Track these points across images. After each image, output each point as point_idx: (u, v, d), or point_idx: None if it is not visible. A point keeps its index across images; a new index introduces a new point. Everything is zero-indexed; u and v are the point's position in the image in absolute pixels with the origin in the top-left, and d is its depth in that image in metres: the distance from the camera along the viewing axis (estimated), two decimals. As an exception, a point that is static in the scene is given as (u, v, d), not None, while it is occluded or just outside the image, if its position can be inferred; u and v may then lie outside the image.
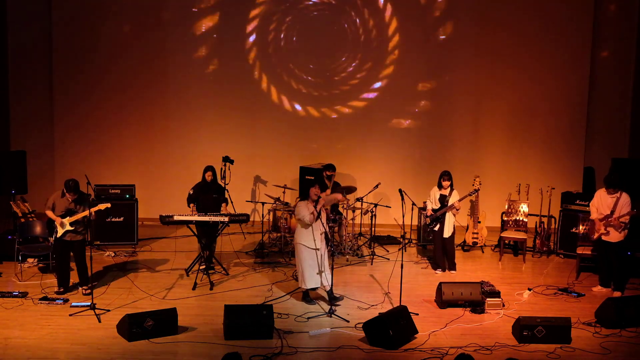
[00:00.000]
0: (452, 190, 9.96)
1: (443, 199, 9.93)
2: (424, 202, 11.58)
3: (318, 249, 8.46)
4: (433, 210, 9.99)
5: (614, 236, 9.15)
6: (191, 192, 9.73)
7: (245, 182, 12.70)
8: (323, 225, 8.55)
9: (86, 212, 8.52)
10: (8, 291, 8.71)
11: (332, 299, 8.65)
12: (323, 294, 8.87)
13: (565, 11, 12.44)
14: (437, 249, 10.17)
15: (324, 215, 8.63)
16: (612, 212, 9.09)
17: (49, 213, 8.68)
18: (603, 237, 9.21)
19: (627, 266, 9.50)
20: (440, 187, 9.98)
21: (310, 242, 8.43)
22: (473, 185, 10.35)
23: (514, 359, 6.18)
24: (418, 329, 7.74)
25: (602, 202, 9.25)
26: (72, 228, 8.61)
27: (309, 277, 8.51)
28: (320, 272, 8.46)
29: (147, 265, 10.15)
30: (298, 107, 12.82)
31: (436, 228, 9.99)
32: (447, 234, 9.97)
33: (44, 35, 12.52)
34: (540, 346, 7.47)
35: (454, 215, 10.05)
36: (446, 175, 9.93)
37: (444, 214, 9.91)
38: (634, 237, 9.50)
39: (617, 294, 9.13)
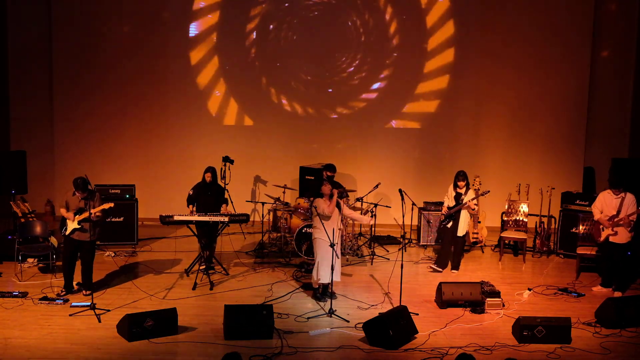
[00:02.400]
0: (467, 189, 9.98)
1: (458, 198, 9.94)
2: (424, 202, 11.61)
3: (332, 244, 8.49)
4: (449, 207, 10.01)
5: (623, 237, 9.12)
6: (191, 192, 9.72)
7: (245, 182, 12.70)
8: (339, 222, 8.69)
9: (104, 206, 8.52)
10: (8, 291, 8.70)
11: (326, 294, 8.74)
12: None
13: (565, 11, 12.46)
14: (445, 246, 10.18)
15: (337, 213, 8.69)
16: (618, 213, 9.08)
17: (62, 211, 8.69)
18: (611, 238, 9.17)
19: (632, 267, 9.50)
20: (456, 187, 9.99)
21: (326, 237, 8.49)
22: (473, 185, 10.34)
23: (513, 359, 6.18)
24: (418, 329, 7.73)
25: (606, 204, 9.21)
26: (79, 227, 8.61)
27: (323, 271, 8.56)
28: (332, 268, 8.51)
29: (147, 265, 10.15)
30: (298, 107, 12.83)
31: (449, 225, 9.99)
32: (460, 232, 9.98)
33: (44, 35, 12.53)
34: (540, 346, 7.47)
35: (470, 214, 10.05)
36: (461, 175, 9.94)
37: (459, 212, 9.92)
38: (635, 237, 9.49)
39: (617, 294, 9.13)
